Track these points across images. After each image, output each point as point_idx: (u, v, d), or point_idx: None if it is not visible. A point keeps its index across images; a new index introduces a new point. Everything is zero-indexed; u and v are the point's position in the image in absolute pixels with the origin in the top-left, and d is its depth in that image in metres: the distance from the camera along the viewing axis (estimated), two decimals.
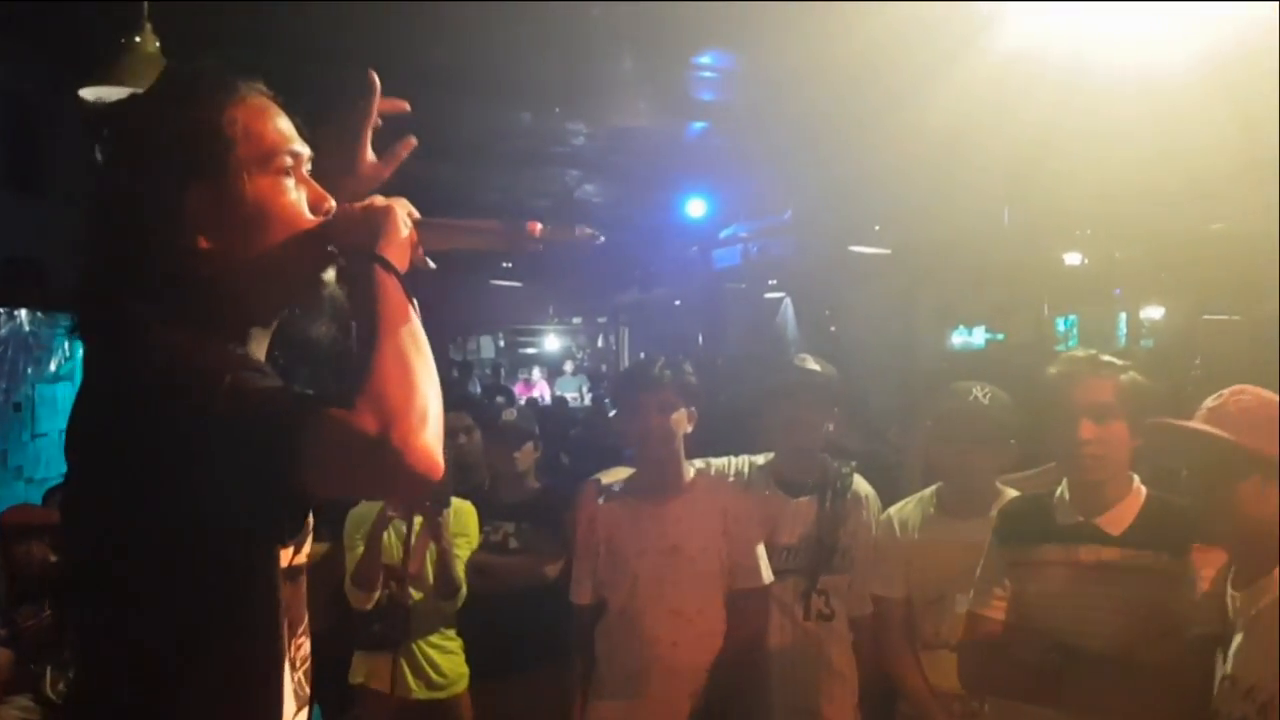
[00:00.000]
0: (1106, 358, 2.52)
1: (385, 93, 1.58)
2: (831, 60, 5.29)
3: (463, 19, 5.09)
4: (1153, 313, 8.22)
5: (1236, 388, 2.08)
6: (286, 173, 1.35)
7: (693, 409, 3.05)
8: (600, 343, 20.27)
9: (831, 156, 7.13)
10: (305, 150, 1.39)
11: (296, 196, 1.36)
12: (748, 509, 3.10)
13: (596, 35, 5.60)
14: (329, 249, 1.38)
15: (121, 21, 4.22)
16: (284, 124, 1.37)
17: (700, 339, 11.01)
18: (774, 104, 6.69)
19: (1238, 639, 2.00)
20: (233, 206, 1.31)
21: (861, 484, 3.31)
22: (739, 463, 3.39)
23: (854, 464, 3.34)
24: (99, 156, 1.34)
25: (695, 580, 2.95)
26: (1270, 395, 2.06)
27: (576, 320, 20.76)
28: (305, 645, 1.44)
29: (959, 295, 8.45)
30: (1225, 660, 2.03)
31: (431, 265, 1.42)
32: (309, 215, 1.37)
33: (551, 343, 20.76)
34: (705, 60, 6.50)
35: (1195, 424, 2.07)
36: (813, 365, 3.28)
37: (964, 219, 7.20)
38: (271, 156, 1.34)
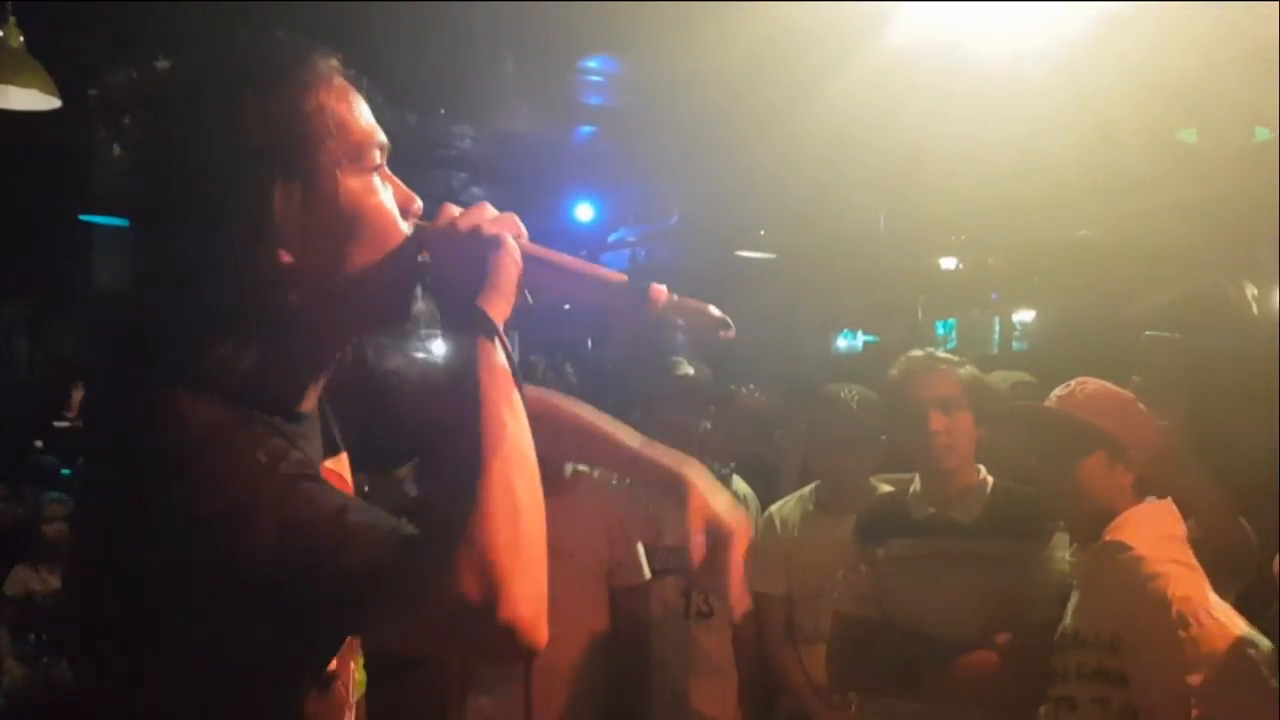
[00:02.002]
0: (943, 354, 2.66)
1: None
2: (716, 66, 5.35)
3: (342, 17, 5.01)
4: (1025, 316, 8.49)
5: (1083, 379, 2.23)
6: (376, 169, 1.14)
7: None
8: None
9: (717, 161, 7.20)
10: (387, 142, 1.16)
11: (387, 198, 1.14)
12: (627, 509, 3.13)
13: (482, 37, 5.56)
14: (420, 260, 1.14)
15: None
16: (367, 111, 1.15)
17: (589, 343, 11.00)
18: (660, 109, 6.73)
19: (1074, 597, 2.13)
20: (323, 211, 1.07)
21: (740, 485, 3.37)
22: None
23: (733, 465, 3.40)
24: (128, 153, 1.10)
25: (572, 579, 2.96)
26: (1114, 386, 2.21)
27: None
28: None
29: (840, 299, 8.61)
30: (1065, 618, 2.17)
31: (529, 300, 1.18)
32: (401, 221, 1.14)
33: (438, 349, 20.51)
34: (592, 65, 6.51)
35: (1049, 405, 2.21)
36: (686, 369, 3.33)
37: (844, 224, 7.35)
38: (362, 151, 1.11)
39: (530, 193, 8.83)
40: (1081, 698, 2.05)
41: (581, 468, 3.23)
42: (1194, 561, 2.02)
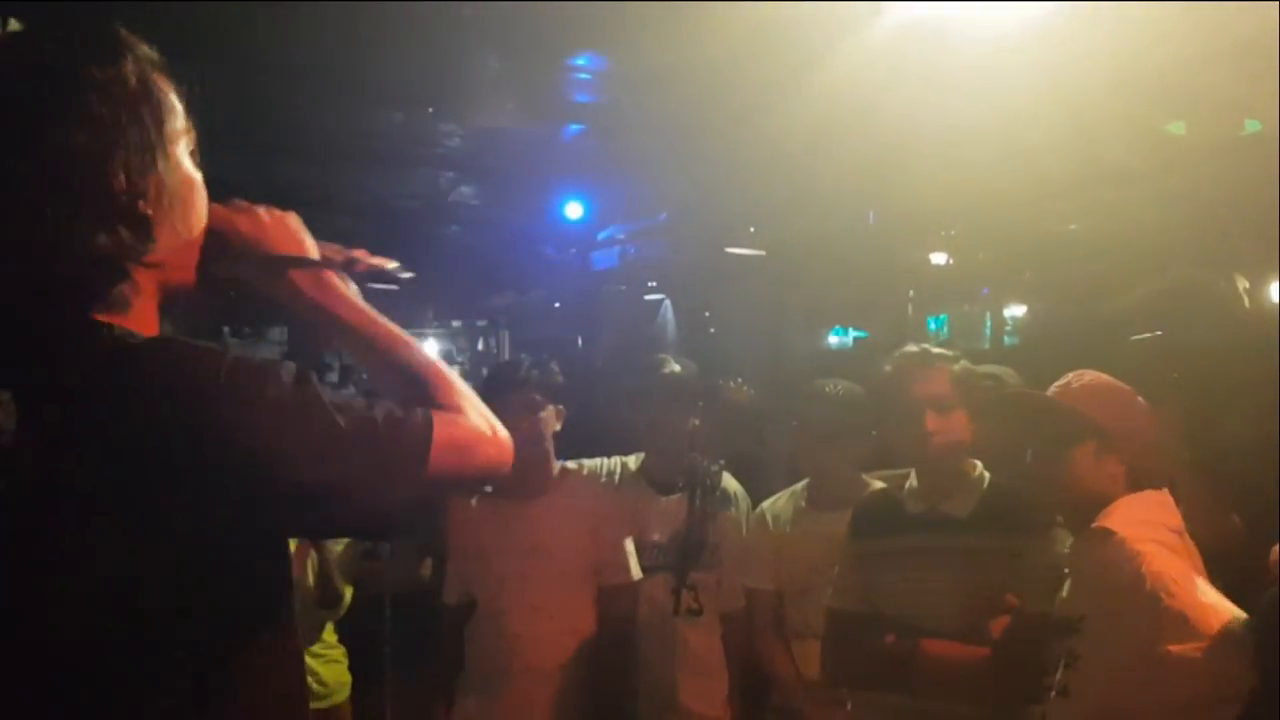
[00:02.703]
0: (937, 350, 2.65)
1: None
2: (703, 62, 5.34)
3: (328, 16, 4.99)
4: (1016, 311, 8.49)
5: (1080, 371, 2.22)
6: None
7: (560, 407, 3.05)
8: (480, 346, 20.09)
9: (706, 158, 7.18)
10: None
11: (195, 176, 1.26)
12: (615, 507, 3.12)
13: (469, 35, 5.54)
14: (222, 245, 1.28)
15: None
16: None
17: (580, 341, 10.98)
18: (648, 106, 6.71)
19: (1065, 586, 2.13)
20: (161, 171, 1.17)
21: (730, 482, 3.37)
22: (611, 463, 3.42)
23: (722, 463, 3.39)
24: None
25: (558, 578, 2.95)
26: (1110, 378, 2.20)
27: (456, 324, 20.52)
28: None
29: (830, 295, 8.60)
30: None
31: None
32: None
33: (431, 346, 20.48)
34: (580, 62, 6.49)
35: (1043, 393, 2.20)
36: (672, 366, 3.32)
37: (834, 220, 7.34)
38: (187, 130, 1.24)
39: (519, 191, 8.81)
40: (1070, 684, 2.04)
41: (570, 465, 3.22)
42: (1182, 547, 2.02)
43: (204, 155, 1.28)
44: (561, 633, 2.97)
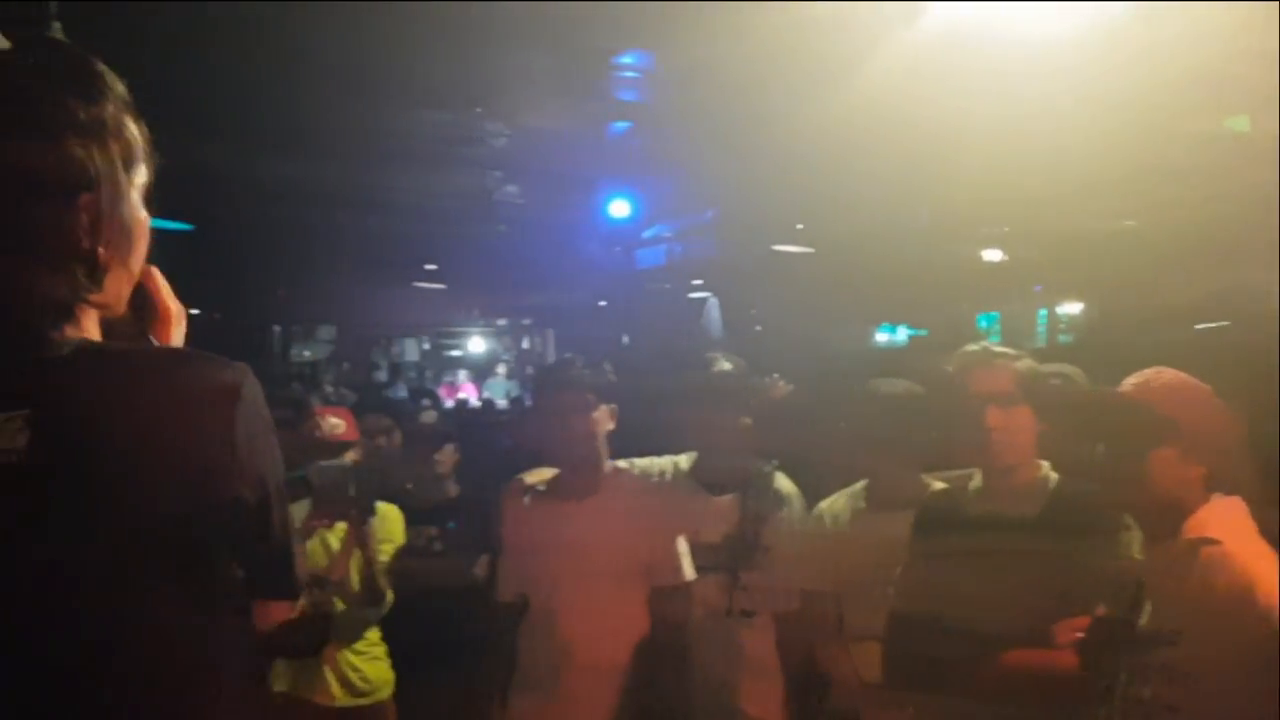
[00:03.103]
0: (999, 348, 2.59)
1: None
2: (751, 57, 5.31)
3: (375, 16, 5.01)
4: (1071, 308, 8.38)
5: (1158, 368, 2.16)
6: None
7: (613, 407, 3.03)
8: (525, 344, 20.18)
9: (753, 155, 7.15)
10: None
11: (145, 218, 1.25)
12: (667, 507, 3.09)
13: (516, 35, 5.55)
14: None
15: (27, 19, 4.07)
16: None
17: (625, 340, 10.98)
18: (695, 103, 6.69)
19: (1149, 595, 2.07)
20: (123, 214, 1.18)
21: (784, 482, 3.32)
22: (664, 463, 3.39)
23: (775, 462, 3.35)
24: None
25: (611, 578, 2.92)
26: (1189, 377, 2.14)
27: (502, 322, 20.63)
28: None
29: (881, 293, 8.54)
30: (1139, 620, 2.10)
31: None
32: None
33: (477, 345, 20.61)
34: (626, 60, 6.48)
35: (1125, 392, 2.14)
36: (723, 364, 3.28)
37: (884, 217, 7.28)
38: (148, 173, 1.23)
39: (565, 189, 8.83)
40: (1161, 700, 1.99)
41: (621, 464, 3.20)
42: (1271, 556, 1.96)
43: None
44: (614, 633, 2.94)
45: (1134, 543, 2.24)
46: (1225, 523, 2.01)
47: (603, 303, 11.71)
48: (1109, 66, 4.35)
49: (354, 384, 14.46)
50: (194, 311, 1.35)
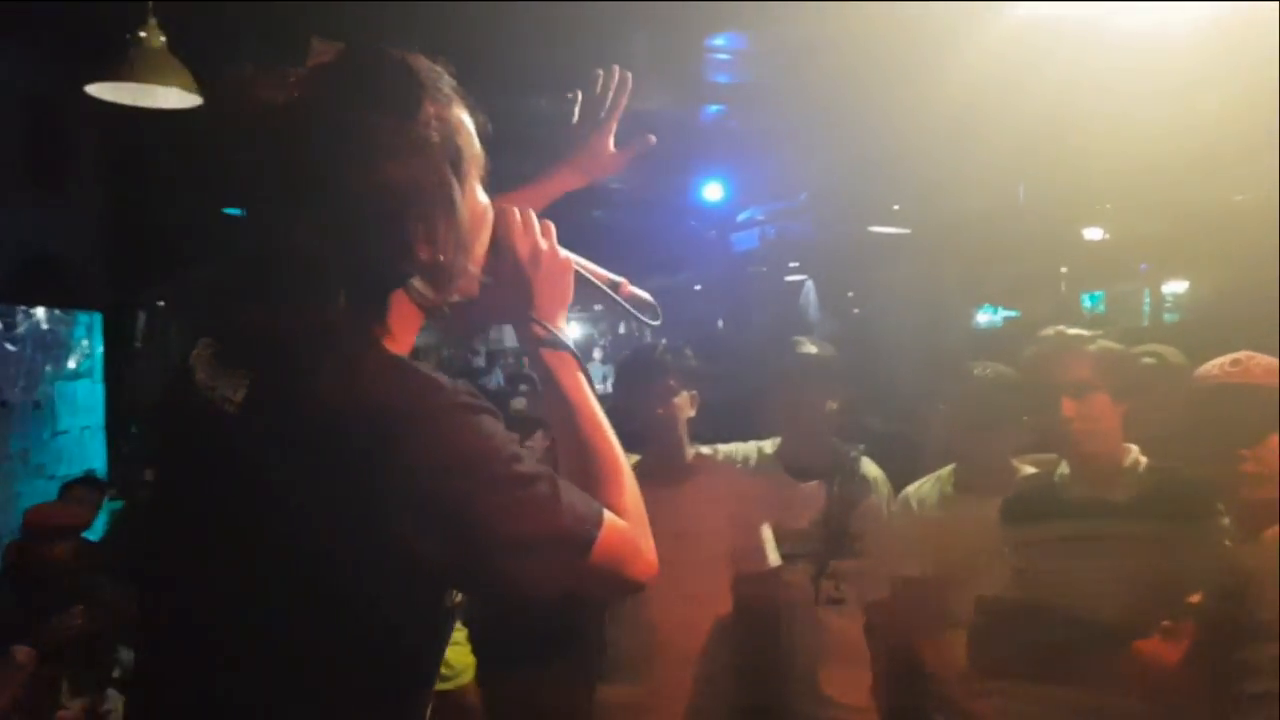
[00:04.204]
0: (1074, 331, 2.53)
1: None
2: (842, 37, 5.25)
3: (470, 3, 5.07)
4: (1176, 287, 8.11)
5: (1248, 353, 2.09)
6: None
7: (694, 393, 3.03)
8: (622, 329, 20.25)
9: (847, 135, 7.06)
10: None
11: (489, 206, 1.28)
12: (752, 493, 3.08)
13: (609, 18, 5.57)
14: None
15: (125, 17, 4.21)
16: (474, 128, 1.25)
17: (721, 324, 10.95)
18: (788, 85, 6.63)
19: (1258, 586, 2.01)
20: (460, 214, 1.19)
21: (870, 466, 3.29)
22: (748, 448, 3.38)
23: (862, 447, 3.31)
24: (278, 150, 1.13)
25: (703, 564, 2.92)
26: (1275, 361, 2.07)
27: (598, 307, 20.74)
28: None
29: (980, 273, 8.36)
30: (1242, 612, 2.04)
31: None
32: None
33: (573, 330, 20.69)
34: (719, 42, 6.45)
35: (1227, 380, 2.07)
36: (809, 348, 3.25)
37: (981, 195, 7.13)
38: (480, 162, 1.25)
39: (659, 172, 8.82)
40: (1269, 693, 1.92)
41: (704, 450, 3.20)
42: None
43: None
44: (704, 619, 2.94)
45: (1226, 531, 2.17)
46: None
47: (698, 286, 11.68)
48: (1215, 39, 4.19)
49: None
50: None
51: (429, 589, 1.18)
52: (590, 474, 1.28)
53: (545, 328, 1.34)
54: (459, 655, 3.90)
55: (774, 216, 9.76)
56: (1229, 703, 2.07)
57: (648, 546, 1.26)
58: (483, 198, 1.26)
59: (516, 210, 1.34)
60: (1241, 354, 2.10)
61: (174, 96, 4.17)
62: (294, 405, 1.09)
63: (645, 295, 1.50)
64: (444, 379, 1.12)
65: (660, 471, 3.01)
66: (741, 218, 9.99)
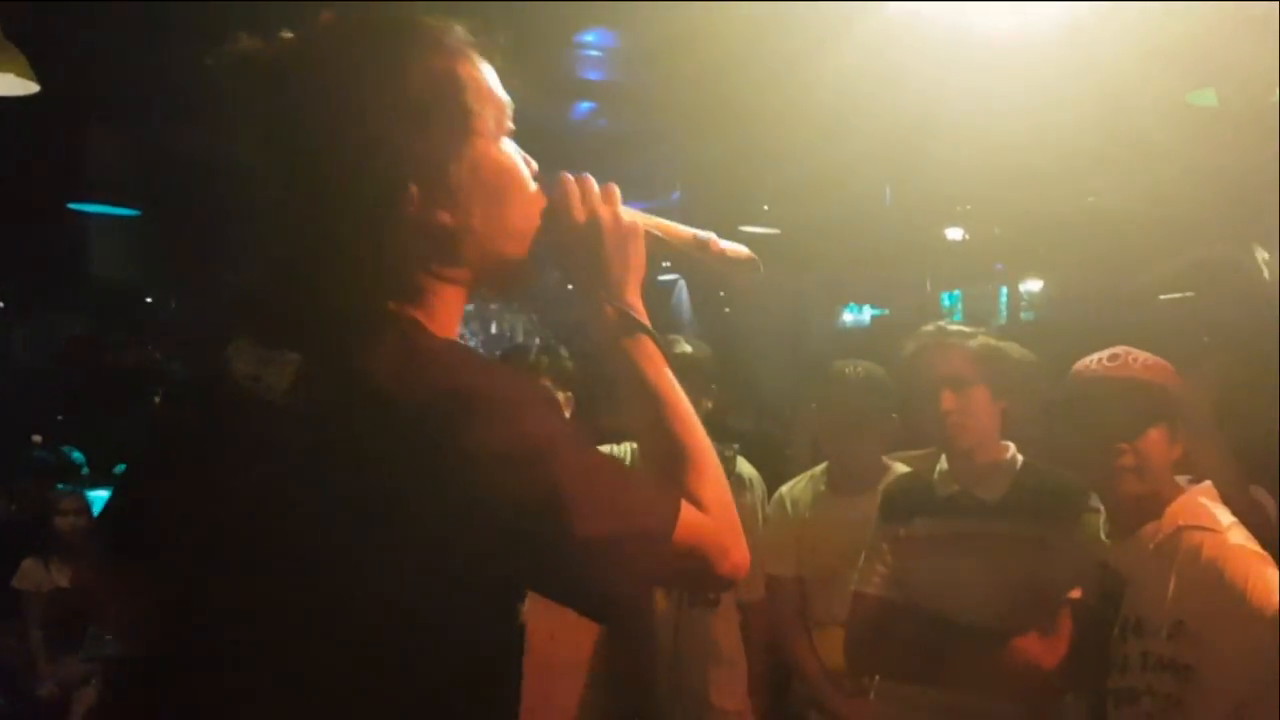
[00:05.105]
0: (954, 327, 2.55)
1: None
2: (716, 36, 5.24)
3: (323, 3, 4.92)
4: (1032, 286, 8.40)
5: (1125, 348, 2.12)
6: (509, 135, 1.19)
7: (570, 395, 2.97)
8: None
9: (719, 135, 7.09)
10: (511, 104, 1.20)
11: (519, 161, 1.19)
12: None
13: (476, 13, 5.47)
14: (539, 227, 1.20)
15: None
16: (497, 83, 1.19)
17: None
18: (659, 83, 6.62)
19: (1131, 583, 2.05)
20: (476, 173, 1.13)
21: (745, 466, 3.28)
22: (621, 450, 3.33)
23: (736, 447, 3.30)
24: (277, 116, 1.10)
25: None
26: (1157, 358, 2.11)
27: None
28: None
29: (846, 273, 8.52)
30: (1118, 608, 2.08)
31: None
32: (531, 184, 1.20)
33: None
34: (589, 39, 6.40)
35: (1108, 374, 2.10)
36: (683, 347, 3.22)
37: (849, 197, 7.25)
38: (500, 120, 1.17)
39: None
40: (1144, 689, 1.96)
41: None
42: (1260, 548, 1.94)
43: None
44: (574, 627, 2.87)
45: (1100, 526, 2.21)
46: (1210, 509, 1.99)
47: (570, 286, 11.65)
48: (1071, 44, 4.32)
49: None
50: None
51: (496, 595, 1.13)
52: (671, 465, 1.18)
53: (614, 304, 1.24)
54: None
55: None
56: (1094, 699, 2.10)
57: (734, 541, 1.16)
58: (513, 155, 1.18)
59: (570, 176, 1.24)
60: (1119, 349, 2.14)
61: (9, 83, 3.92)
62: (347, 390, 1.02)
63: (741, 250, 1.35)
64: (500, 364, 1.07)
65: None
66: None
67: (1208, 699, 1.87)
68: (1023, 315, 8.19)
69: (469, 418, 1.00)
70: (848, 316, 9.70)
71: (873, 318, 9.15)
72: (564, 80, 6.86)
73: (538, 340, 3.23)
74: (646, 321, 1.25)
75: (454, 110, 1.12)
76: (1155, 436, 2.04)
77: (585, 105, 7.51)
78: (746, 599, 3.18)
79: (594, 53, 6.67)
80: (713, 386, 3.24)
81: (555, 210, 1.22)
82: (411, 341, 1.06)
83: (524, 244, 1.19)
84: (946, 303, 8.76)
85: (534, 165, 1.22)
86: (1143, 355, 2.12)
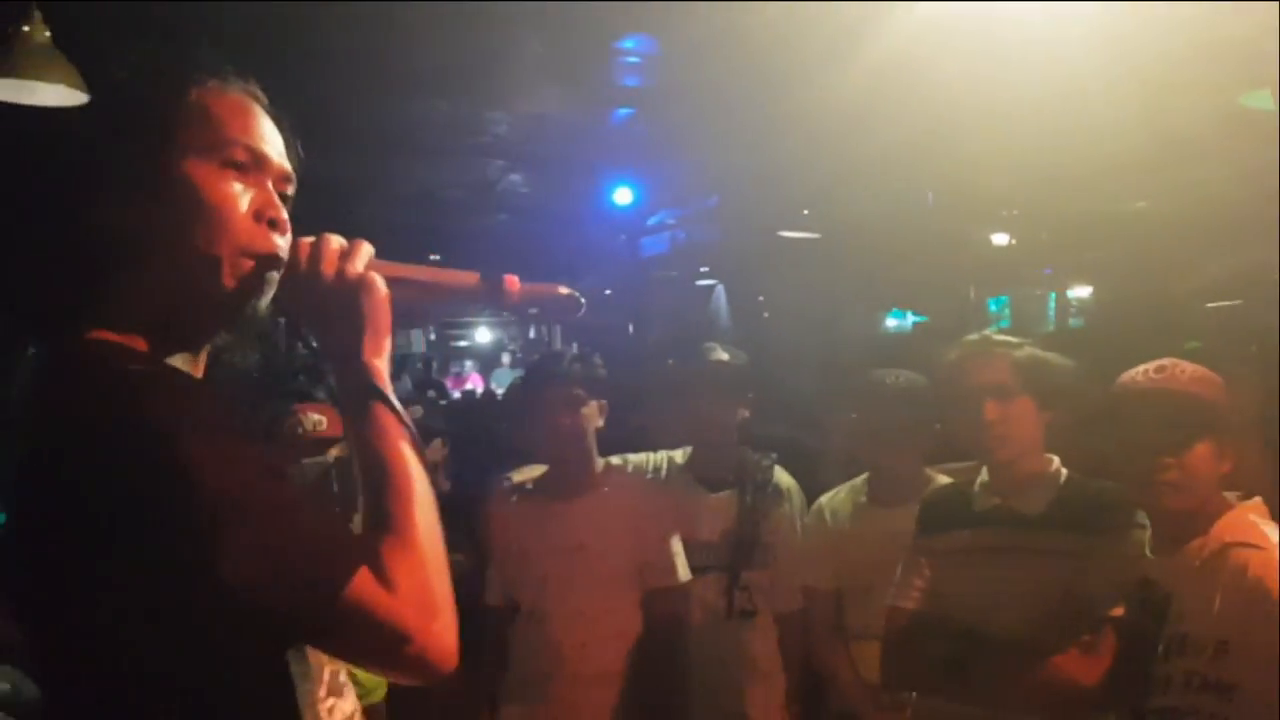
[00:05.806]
0: (1000, 336, 2.48)
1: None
2: (755, 41, 5.21)
3: (376, 6, 4.92)
4: (1080, 292, 8.27)
5: (1173, 360, 2.06)
6: (238, 169, 1.17)
7: (603, 402, 2.93)
8: (531, 334, 20.09)
9: (758, 141, 7.04)
10: (278, 161, 1.21)
11: (238, 191, 1.17)
12: (660, 505, 2.99)
13: (515, 21, 5.46)
14: (268, 276, 1.18)
15: (9, 12, 4.01)
16: (257, 124, 1.20)
17: (631, 329, 10.88)
18: (698, 89, 6.59)
19: (1177, 600, 1.98)
20: (167, 186, 1.13)
21: (783, 476, 3.23)
22: (657, 458, 3.29)
23: (774, 456, 3.25)
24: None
25: (602, 580, 2.82)
26: (1206, 370, 2.05)
27: (506, 313, 20.50)
28: (339, 705, 1.39)
29: (888, 279, 8.43)
30: (1163, 626, 2.01)
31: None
32: (246, 213, 1.17)
33: (483, 335, 20.51)
34: (628, 45, 6.39)
35: (1159, 382, 2.04)
36: (720, 354, 3.17)
37: (891, 202, 7.18)
38: (223, 145, 1.16)
39: (567, 177, 8.73)
40: (1187, 710, 1.89)
41: (614, 460, 3.11)
42: None
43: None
44: (607, 637, 2.84)
45: (1146, 542, 2.13)
46: (1259, 526, 1.92)
47: (608, 291, 11.62)
48: (1119, 44, 4.23)
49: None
50: None
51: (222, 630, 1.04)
52: (373, 536, 1.10)
53: (347, 365, 1.19)
54: (368, 674, 3.77)
55: (684, 221, 9.73)
56: (1134, 717, 2.04)
57: (422, 627, 1.05)
58: (240, 191, 1.17)
59: (307, 240, 1.20)
60: (1166, 360, 2.07)
61: (60, 94, 3.97)
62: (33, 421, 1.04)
63: (554, 288, 1.33)
64: (182, 379, 1.08)
65: (566, 483, 2.91)
66: (652, 222, 9.93)
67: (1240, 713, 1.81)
68: (1071, 322, 8.06)
69: (129, 447, 0.98)
70: (890, 323, 9.61)
71: (914, 324, 9.05)
72: (603, 87, 6.85)
73: (574, 345, 3.19)
74: (381, 383, 1.18)
75: (162, 124, 1.14)
76: (1201, 451, 1.98)
77: (623, 111, 7.50)
78: (782, 611, 3.13)
79: (633, 59, 6.66)
80: (749, 394, 3.20)
81: (293, 274, 1.20)
82: (71, 351, 1.07)
83: (228, 279, 1.15)
84: (993, 308, 8.65)
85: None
86: (1191, 368, 2.05)
